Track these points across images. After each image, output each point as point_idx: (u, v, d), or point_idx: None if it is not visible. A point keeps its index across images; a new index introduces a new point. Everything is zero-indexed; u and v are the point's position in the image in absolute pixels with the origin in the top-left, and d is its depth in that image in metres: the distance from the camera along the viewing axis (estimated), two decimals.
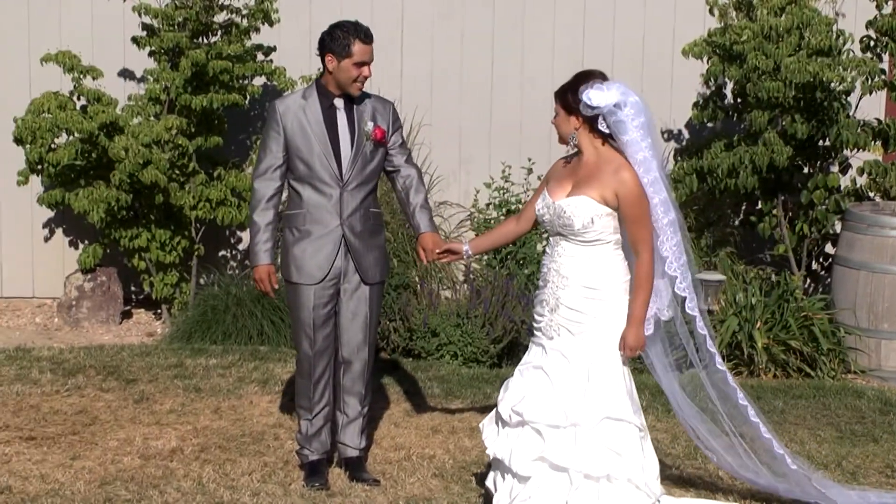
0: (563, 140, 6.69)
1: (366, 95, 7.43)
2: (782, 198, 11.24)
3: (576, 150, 6.62)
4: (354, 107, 7.33)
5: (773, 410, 9.08)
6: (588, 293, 6.54)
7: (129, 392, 9.21)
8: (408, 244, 10.78)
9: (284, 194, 7.47)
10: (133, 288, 12.18)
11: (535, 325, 6.79)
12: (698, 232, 11.53)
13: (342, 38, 7.18)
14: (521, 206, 10.25)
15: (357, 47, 7.17)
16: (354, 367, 7.47)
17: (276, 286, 7.46)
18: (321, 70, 7.42)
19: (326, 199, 7.24)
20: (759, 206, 11.44)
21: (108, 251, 11.67)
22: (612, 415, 6.48)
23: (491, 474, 6.87)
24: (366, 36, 7.23)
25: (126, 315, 11.92)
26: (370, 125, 7.29)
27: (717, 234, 11.72)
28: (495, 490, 6.76)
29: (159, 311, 11.76)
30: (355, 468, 7.50)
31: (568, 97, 6.57)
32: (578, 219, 6.49)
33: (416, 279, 10.72)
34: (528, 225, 7.11)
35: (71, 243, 12.28)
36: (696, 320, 6.72)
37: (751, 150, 10.84)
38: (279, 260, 7.56)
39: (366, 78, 7.27)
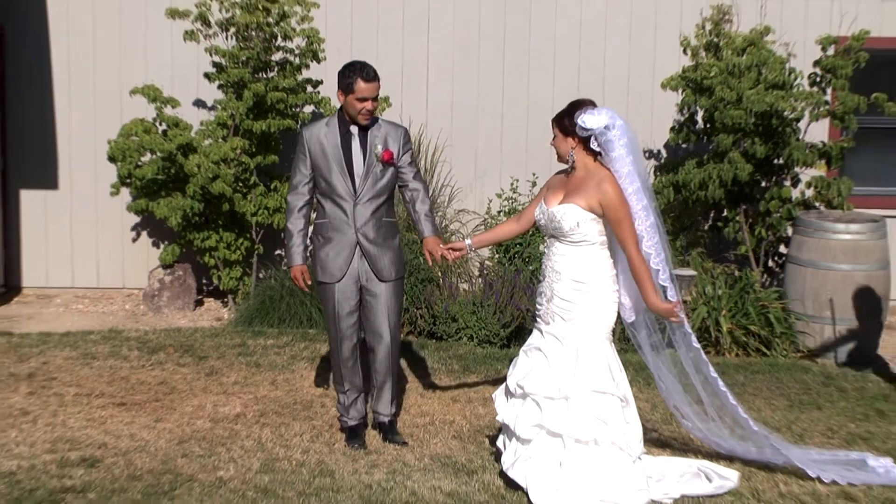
0: (561, 158, 6.73)
1: (380, 122, 7.40)
2: (744, 207, 11.24)
3: (571, 165, 6.68)
4: (368, 132, 7.29)
5: (735, 383, 9.09)
6: (577, 286, 6.60)
7: (201, 367, 9.27)
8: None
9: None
10: (204, 280, 12.23)
11: (536, 312, 6.88)
12: (674, 235, 11.53)
13: (349, 76, 7.15)
14: None
15: (360, 85, 7.12)
16: (379, 350, 7.44)
17: (309, 282, 7.47)
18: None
19: (343, 211, 7.26)
20: (725, 213, 11.45)
21: (183, 250, 11.72)
22: (597, 388, 6.54)
23: (500, 437, 6.94)
24: (368, 76, 7.16)
25: (198, 303, 11.95)
26: (379, 148, 7.25)
27: (689, 237, 11.71)
28: (504, 450, 6.84)
29: (226, 300, 11.81)
30: (387, 431, 7.54)
31: (565, 121, 6.64)
32: (567, 223, 6.56)
33: (439, 274, 10.74)
34: (527, 225, 7.16)
35: (154, 243, 12.33)
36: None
37: (718, 167, 10.85)
38: (310, 261, 7.58)
39: (369, 111, 7.21)
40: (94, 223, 12.30)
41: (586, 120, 6.53)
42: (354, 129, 7.28)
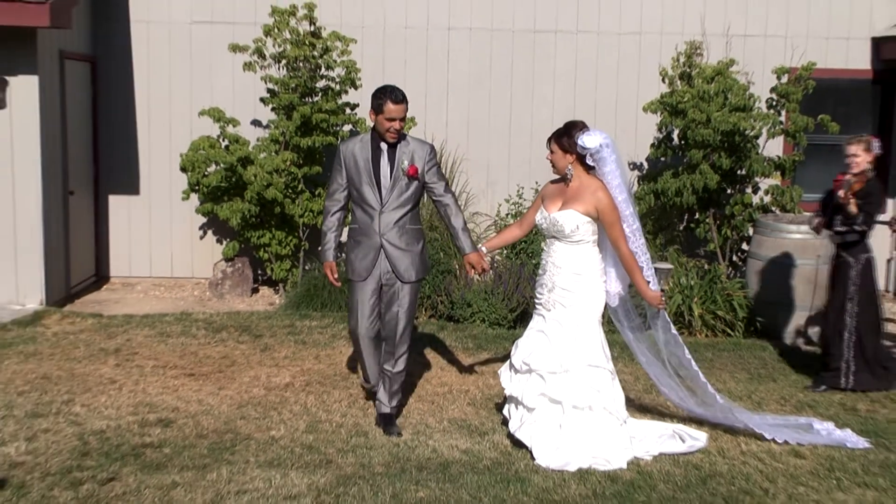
0: (560, 172, 6.73)
1: (409, 139, 7.07)
2: (712, 211, 11.23)
3: (570, 177, 6.68)
4: (397, 148, 6.98)
5: (704, 359, 9.09)
6: (575, 277, 6.63)
7: (256, 344, 9.30)
8: (451, 243, 10.79)
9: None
10: (259, 271, 12.26)
11: (536, 301, 6.88)
12: (654, 234, 11.53)
13: (379, 98, 6.89)
14: None
15: (388, 107, 6.85)
16: (389, 345, 7.13)
17: (337, 276, 7.19)
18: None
19: (370, 218, 6.98)
20: (697, 216, 11.44)
21: (242, 246, 11.76)
22: (592, 363, 6.60)
23: (506, 405, 6.97)
24: (396, 98, 6.87)
25: (254, 290, 11.97)
26: (406, 164, 6.94)
27: (667, 236, 11.72)
28: (510, 416, 6.86)
29: (277, 288, 11.84)
30: (386, 422, 7.10)
31: (564, 140, 6.65)
32: (568, 226, 6.58)
33: (456, 266, 10.76)
34: (528, 229, 7.23)
35: (217, 240, 12.38)
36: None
37: (691, 177, 10.86)
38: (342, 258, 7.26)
39: (397, 130, 6.90)
40: (168, 223, 12.35)
41: (586, 140, 6.56)
42: (384, 146, 6.99)
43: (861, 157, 8.29)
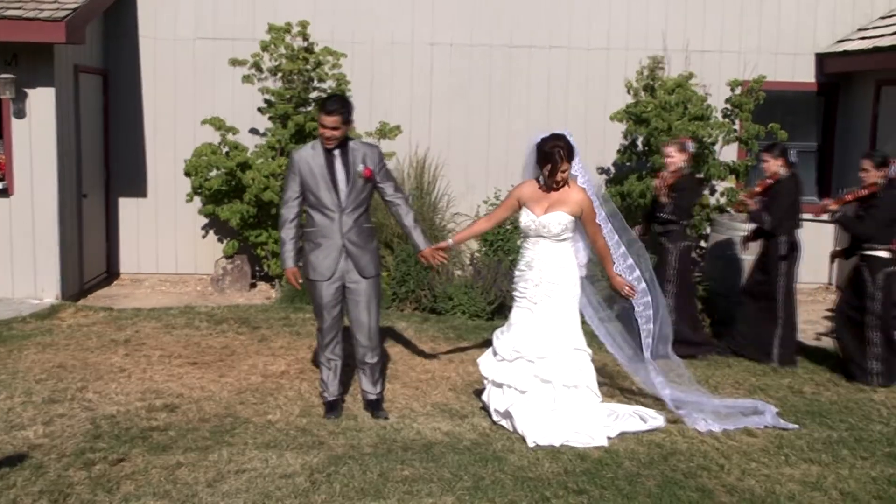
0: (564, 180, 6.71)
1: (356, 144, 6.86)
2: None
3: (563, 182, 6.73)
4: (349, 153, 6.76)
5: None
6: (560, 271, 6.72)
7: (254, 335, 9.28)
8: (433, 241, 10.77)
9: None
10: (257, 268, 12.20)
11: (520, 295, 6.86)
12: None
13: (318, 109, 6.77)
14: None
15: (321, 118, 6.64)
16: (361, 337, 6.95)
17: (301, 281, 6.94)
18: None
19: (331, 220, 6.75)
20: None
21: (241, 244, 11.74)
22: (576, 346, 6.72)
23: (486, 392, 6.99)
24: (326, 110, 6.62)
25: (253, 286, 11.95)
26: (361, 167, 6.73)
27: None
28: (488, 402, 6.90)
29: (274, 283, 11.76)
30: (373, 407, 7.06)
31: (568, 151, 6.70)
32: (557, 227, 6.65)
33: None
34: (496, 223, 7.39)
35: (218, 239, 12.33)
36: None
37: (654, 180, 10.83)
38: (301, 262, 6.97)
39: (328, 138, 6.63)
40: (173, 223, 12.30)
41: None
42: (336, 152, 6.74)
43: (675, 157, 8.79)
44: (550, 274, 6.71)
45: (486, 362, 6.94)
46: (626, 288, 6.89)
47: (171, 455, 6.10)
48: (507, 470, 5.98)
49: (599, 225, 6.82)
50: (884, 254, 8.11)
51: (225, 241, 12.08)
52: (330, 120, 6.63)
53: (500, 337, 6.88)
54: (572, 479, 5.85)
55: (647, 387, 7.31)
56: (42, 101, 10.27)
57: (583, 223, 6.73)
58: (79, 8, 10.02)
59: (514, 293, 6.95)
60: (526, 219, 6.80)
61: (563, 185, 6.69)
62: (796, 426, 6.96)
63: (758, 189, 8.60)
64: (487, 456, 6.19)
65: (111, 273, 12.30)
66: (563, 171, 6.64)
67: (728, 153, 11.60)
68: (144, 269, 12.37)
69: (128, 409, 6.97)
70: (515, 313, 6.88)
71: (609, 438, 6.57)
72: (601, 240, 6.80)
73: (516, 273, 6.95)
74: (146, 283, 12.10)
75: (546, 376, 6.64)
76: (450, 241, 7.29)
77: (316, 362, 7.53)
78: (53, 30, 9.72)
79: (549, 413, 6.59)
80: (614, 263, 6.91)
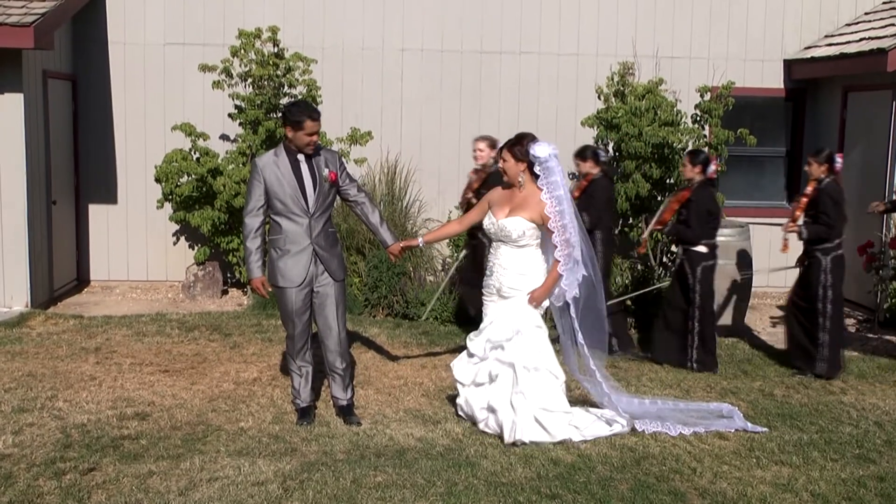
0: (512, 179, 6.71)
1: (319, 149, 6.81)
2: (645, 216, 11.24)
3: (522, 184, 6.68)
4: (312, 159, 6.73)
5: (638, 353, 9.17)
6: (520, 277, 6.68)
7: (226, 341, 9.24)
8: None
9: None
10: (229, 274, 12.16)
11: (487, 299, 6.88)
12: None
13: (299, 116, 6.60)
14: None
15: (308, 123, 6.58)
16: (330, 343, 6.90)
17: (270, 289, 6.88)
18: (284, 134, 6.77)
19: (299, 226, 6.69)
20: (631, 221, 11.50)
21: (213, 251, 11.70)
22: (538, 324, 6.69)
23: (459, 398, 7.00)
24: (314, 116, 6.64)
25: (224, 292, 11.90)
26: (326, 171, 6.72)
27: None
28: (464, 406, 6.92)
29: (245, 290, 11.72)
30: (345, 413, 7.04)
31: (516, 149, 6.66)
32: (515, 232, 6.61)
33: (411, 269, 10.75)
34: (468, 226, 7.31)
35: (189, 246, 12.26)
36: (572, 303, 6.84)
37: (624, 185, 10.90)
38: (267, 271, 6.90)
39: (310, 144, 6.65)
40: (144, 230, 12.22)
41: (538, 150, 6.59)
42: (301, 157, 6.70)
43: (485, 152, 9.27)
44: (510, 279, 6.68)
45: (461, 366, 6.95)
46: (534, 301, 6.71)
47: (142, 464, 6.05)
48: (481, 475, 5.97)
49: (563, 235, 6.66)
50: (702, 249, 8.71)
51: (196, 248, 12.02)
52: (316, 126, 6.66)
53: (475, 339, 6.89)
54: (545, 484, 5.86)
55: (603, 403, 7.18)
56: (10, 107, 10.17)
57: (544, 230, 6.67)
58: (47, 13, 9.95)
59: (483, 297, 6.96)
60: (487, 222, 6.80)
61: (523, 186, 6.66)
62: (765, 429, 7.00)
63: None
64: (460, 461, 6.19)
65: (81, 280, 12.20)
66: (509, 170, 6.67)
67: None
68: (115, 276, 12.27)
69: (98, 418, 6.90)
70: (484, 315, 6.91)
71: (584, 441, 6.59)
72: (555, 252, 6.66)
73: (484, 279, 6.95)
74: (117, 290, 12.00)
75: (508, 359, 6.63)
76: (420, 239, 7.26)
77: (286, 370, 7.52)
78: (21, 35, 9.64)
79: (513, 396, 6.57)
80: (585, 268, 6.75)
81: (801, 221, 8.62)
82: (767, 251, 11.29)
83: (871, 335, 10.30)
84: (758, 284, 10.73)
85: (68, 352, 8.70)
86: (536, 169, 6.63)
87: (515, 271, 6.67)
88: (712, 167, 8.84)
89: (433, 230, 7.54)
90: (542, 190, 6.63)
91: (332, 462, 6.13)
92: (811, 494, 5.85)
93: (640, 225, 11.24)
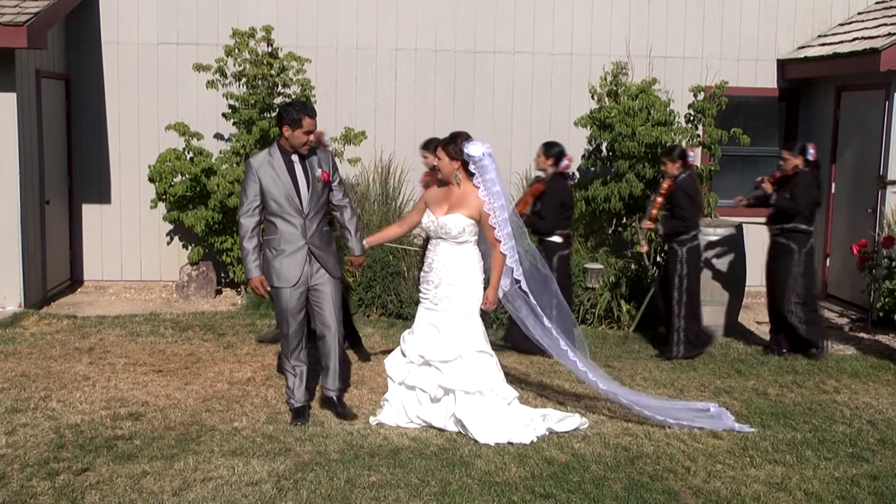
0: (447, 177, 6.78)
1: (312, 149, 6.83)
2: (638, 215, 11.27)
3: (458, 182, 6.72)
4: (306, 159, 6.75)
5: (632, 351, 9.19)
6: (459, 274, 6.74)
7: (220, 341, 9.23)
8: (399, 249, 10.77)
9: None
10: (222, 274, 12.16)
11: (423, 296, 6.91)
12: (585, 237, 11.59)
13: (296, 115, 6.62)
14: None
15: (306, 121, 6.62)
16: (328, 338, 6.92)
17: (269, 289, 6.85)
18: (279, 133, 6.77)
19: (294, 226, 6.71)
20: (624, 220, 11.51)
21: (206, 251, 11.68)
22: (479, 349, 6.74)
23: (390, 392, 7.00)
24: (312, 114, 6.68)
25: (218, 292, 11.89)
26: (319, 172, 6.74)
27: (597, 239, 11.74)
28: (400, 402, 6.90)
29: (239, 289, 11.74)
30: (335, 405, 7.09)
31: (450, 148, 6.73)
32: (455, 228, 6.68)
33: (405, 269, 10.73)
34: (408, 228, 7.30)
35: (183, 245, 12.26)
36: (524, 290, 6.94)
37: (618, 185, 10.93)
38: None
39: (306, 143, 6.68)
40: (138, 230, 12.21)
41: (472, 149, 6.68)
42: (295, 158, 6.73)
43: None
44: (449, 275, 6.72)
45: (395, 364, 6.97)
46: (489, 304, 6.77)
47: (136, 464, 6.04)
48: (474, 475, 5.97)
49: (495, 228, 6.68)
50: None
51: (190, 248, 12.00)
52: (313, 124, 6.69)
53: (407, 339, 6.91)
54: (539, 483, 5.86)
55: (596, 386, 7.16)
56: (3, 107, 10.14)
57: (482, 227, 6.73)
58: (40, 12, 9.93)
59: (419, 294, 6.98)
60: (426, 220, 6.84)
61: (460, 184, 6.70)
62: (753, 429, 7.00)
63: (529, 198, 9.14)
64: (454, 461, 6.18)
65: (75, 280, 12.18)
66: (443, 168, 6.71)
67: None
68: (108, 276, 12.26)
69: (92, 418, 6.89)
70: (419, 314, 6.92)
71: (537, 437, 6.62)
72: (498, 248, 6.69)
73: (421, 275, 6.98)
74: (110, 290, 11.98)
75: (448, 385, 6.66)
76: (365, 242, 7.24)
77: (281, 370, 7.46)
78: (14, 34, 9.62)
79: (450, 421, 6.67)
80: (515, 268, 6.80)
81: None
82: (761, 250, 11.27)
83: (864, 334, 10.31)
84: (752, 284, 10.72)
85: (62, 352, 8.68)
86: (471, 167, 6.70)
87: (456, 267, 6.73)
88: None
89: (374, 234, 7.50)
90: (478, 188, 6.70)
91: (326, 462, 6.12)
92: (805, 493, 5.85)
93: (633, 225, 11.26)
